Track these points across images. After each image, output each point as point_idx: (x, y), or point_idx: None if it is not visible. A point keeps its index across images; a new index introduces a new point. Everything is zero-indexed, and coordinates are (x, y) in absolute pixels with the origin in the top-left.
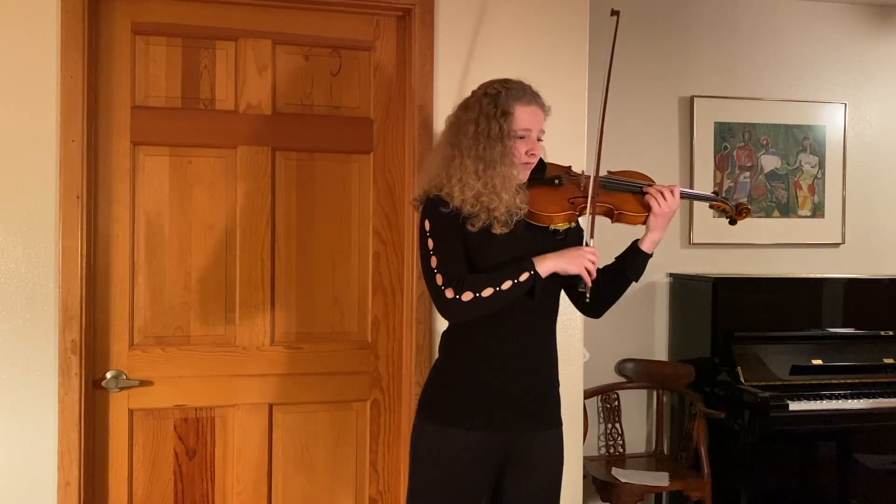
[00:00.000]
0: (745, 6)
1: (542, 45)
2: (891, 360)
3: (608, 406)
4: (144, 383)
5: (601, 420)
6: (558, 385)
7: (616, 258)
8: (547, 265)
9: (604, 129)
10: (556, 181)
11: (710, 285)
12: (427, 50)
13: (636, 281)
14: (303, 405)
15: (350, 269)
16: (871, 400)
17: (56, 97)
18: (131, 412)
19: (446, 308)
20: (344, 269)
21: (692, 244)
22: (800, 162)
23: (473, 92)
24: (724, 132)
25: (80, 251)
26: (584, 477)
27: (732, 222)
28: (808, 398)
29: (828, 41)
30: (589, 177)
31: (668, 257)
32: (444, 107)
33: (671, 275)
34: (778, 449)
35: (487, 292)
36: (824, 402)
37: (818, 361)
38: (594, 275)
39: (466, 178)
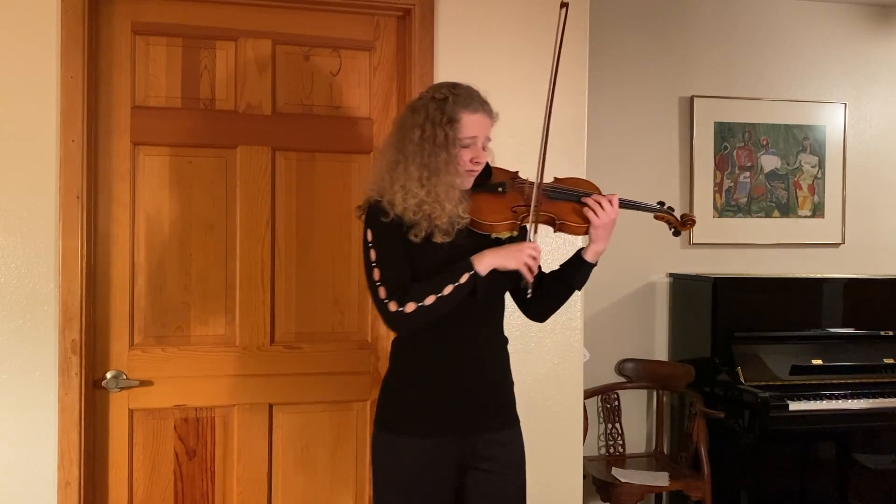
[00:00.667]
0: (745, 6)
1: (542, 44)
2: (891, 360)
3: (608, 406)
4: (144, 383)
5: (601, 420)
6: (512, 384)
7: (560, 266)
8: (486, 262)
9: (548, 137)
10: (500, 189)
11: (710, 285)
12: (427, 50)
13: (579, 290)
14: (303, 405)
15: (350, 269)
16: (870, 400)
17: (56, 97)
18: (131, 412)
19: (391, 321)
20: (344, 269)
21: (692, 244)
22: (800, 162)
23: (421, 94)
24: (724, 132)
25: (80, 251)
26: (584, 477)
27: (676, 233)
28: (808, 398)
29: (828, 41)
30: (533, 184)
31: (668, 257)
32: None
33: (671, 275)
34: (778, 449)
35: (430, 300)
36: (824, 402)
37: (818, 361)
38: (535, 270)
39: (410, 184)
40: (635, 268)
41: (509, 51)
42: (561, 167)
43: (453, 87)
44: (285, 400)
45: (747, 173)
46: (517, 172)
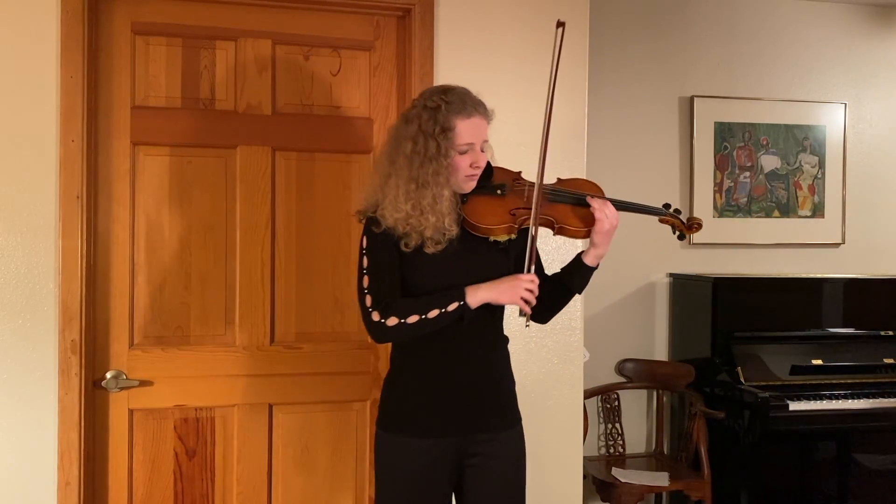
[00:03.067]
0: (745, 6)
1: (541, 44)
2: (891, 360)
3: (608, 406)
4: (144, 383)
5: (601, 420)
6: (513, 383)
7: (561, 269)
8: (479, 296)
9: (548, 143)
10: (499, 191)
11: (710, 285)
12: (427, 50)
13: (579, 293)
14: (303, 405)
15: (350, 269)
16: (871, 400)
17: (56, 97)
18: (131, 412)
19: (371, 330)
20: (344, 269)
21: (692, 244)
22: (800, 162)
23: (414, 102)
24: (724, 132)
25: (80, 251)
26: (584, 477)
27: (681, 237)
28: (807, 398)
29: (828, 41)
30: (533, 185)
31: (668, 257)
32: None
33: (671, 275)
34: (778, 449)
35: (413, 319)
36: (824, 402)
37: (818, 361)
38: (533, 302)
39: (398, 198)
40: (635, 268)
41: (509, 50)
42: (561, 167)
43: (444, 93)
44: (285, 400)
45: (747, 173)
46: (520, 173)
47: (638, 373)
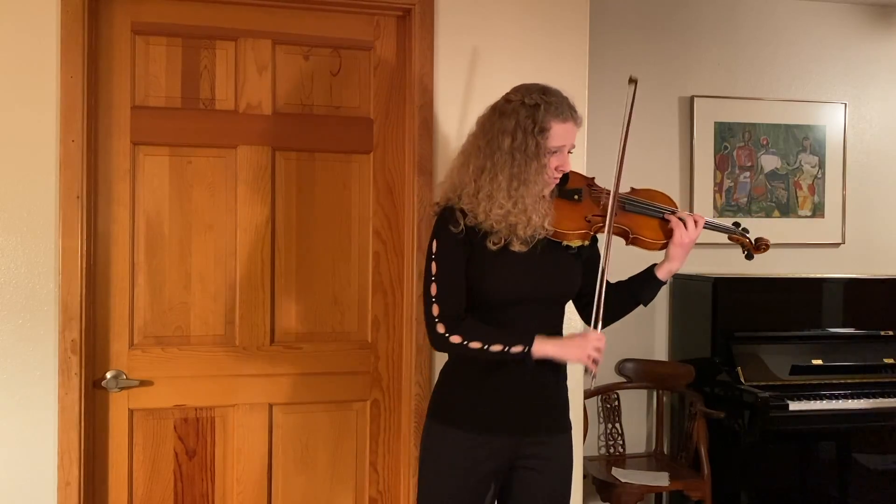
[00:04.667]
0: (745, 6)
1: (542, 44)
2: (891, 360)
3: (608, 406)
4: (144, 383)
5: (601, 420)
6: (566, 389)
7: (630, 278)
8: (546, 350)
9: (624, 155)
10: (576, 196)
11: (710, 285)
12: (427, 50)
13: (645, 305)
14: (303, 405)
15: (350, 269)
16: (871, 400)
17: (56, 97)
18: (131, 412)
19: (433, 340)
20: (344, 269)
21: (750, 259)
22: (800, 162)
23: (509, 97)
24: (724, 132)
25: (80, 251)
26: (584, 477)
27: (749, 257)
28: (808, 398)
29: (828, 41)
30: (609, 193)
31: None
32: (444, 107)
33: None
34: (778, 449)
35: (475, 345)
36: (824, 402)
37: (818, 361)
38: (601, 361)
39: (497, 194)
40: (635, 268)
41: (509, 51)
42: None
43: (544, 92)
44: (285, 400)
45: (747, 173)
46: (593, 179)
47: (638, 373)
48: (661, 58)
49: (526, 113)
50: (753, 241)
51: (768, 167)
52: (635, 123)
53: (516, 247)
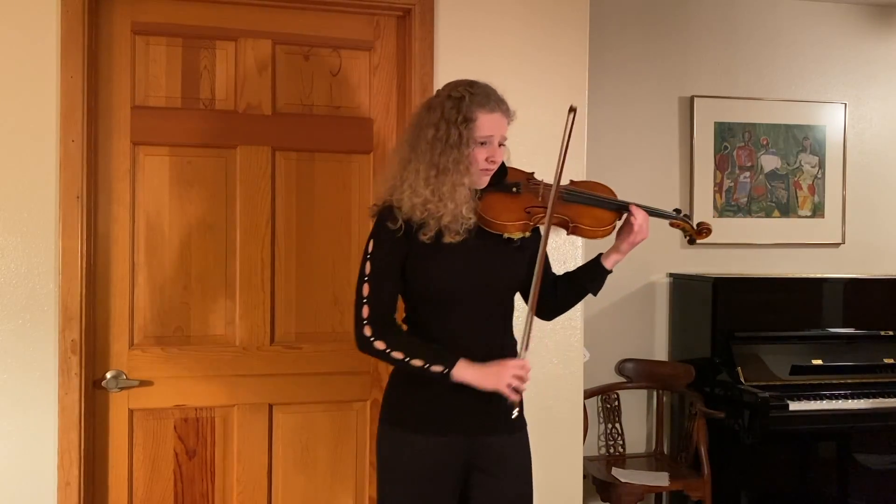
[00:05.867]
0: (745, 6)
1: (542, 44)
2: (891, 360)
3: (608, 406)
4: (144, 383)
5: (601, 420)
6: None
7: (577, 269)
8: (465, 375)
9: (565, 158)
10: (514, 189)
11: (710, 285)
12: (427, 50)
13: (594, 295)
14: (303, 405)
15: (350, 269)
16: (871, 400)
17: (56, 97)
18: (131, 412)
19: (358, 341)
20: (344, 269)
21: (692, 244)
22: (800, 162)
23: (438, 92)
24: (724, 132)
25: (80, 251)
26: (584, 477)
27: (692, 241)
28: (808, 398)
29: (828, 41)
30: (548, 185)
31: (668, 257)
32: None
33: (671, 275)
34: (778, 449)
35: (397, 355)
36: (824, 402)
37: (818, 361)
38: (524, 389)
39: (417, 183)
40: (635, 268)
41: (509, 51)
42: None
43: (470, 85)
44: (285, 400)
45: (747, 173)
46: (533, 173)
47: (638, 373)
48: (661, 58)
49: (451, 105)
50: (695, 226)
51: (768, 167)
52: (635, 123)
53: (447, 238)
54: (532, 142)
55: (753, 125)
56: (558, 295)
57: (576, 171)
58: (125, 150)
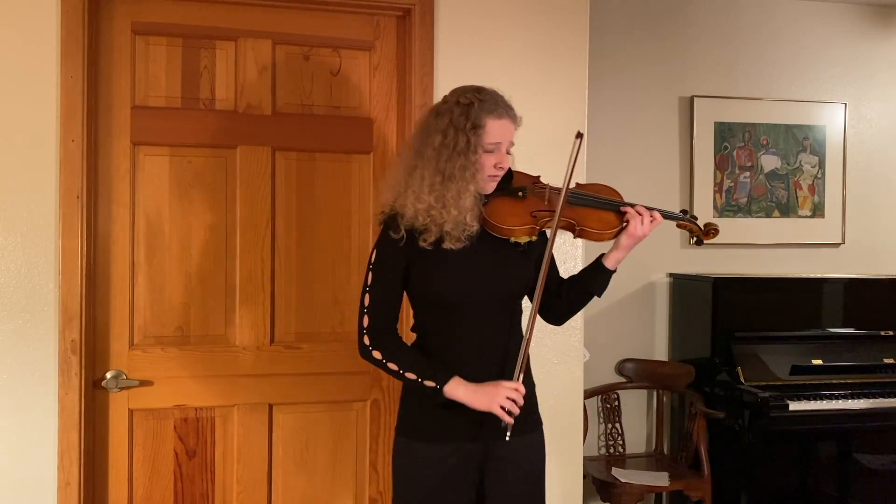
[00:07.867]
0: (745, 6)
1: (542, 45)
2: (891, 360)
3: (608, 406)
4: (144, 383)
5: (601, 420)
6: (533, 386)
7: (580, 272)
8: (457, 393)
9: (577, 158)
10: (520, 193)
11: (710, 285)
12: (427, 50)
13: (599, 296)
14: (303, 405)
15: (350, 269)
16: (871, 400)
17: (56, 97)
18: (131, 412)
19: (360, 348)
20: (344, 269)
21: (700, 245)
22: (800, 162)
23: (446, 98)
24: (724, 132)
25: (80, 251)
26: (584, 477)
27: (699, 243)
28: (808, 398)
29: (828, 41)
30: (555, 189)
31: (668, 257)
32: None
33: (671, 275)
34: (778, 449)
35: (392, 366)
36: (824, 402)
37: (818, 361)
38: (516, 411)
39: (421, 190)
40: (635, 268)
41: (509, 51)
42: (562, 167)
43: (478, 91)
44: (285, 400)
45: (747, 173)
46: (538, 177)
47: (638, 373)
48: (661, 58)
49: (460, 111)
50: (702, 227)
51: (768, 167)
52: (635, 123)
53: (448, 244)
54: (531, 140)
55: (753, 125)
56: (563, 298)
57: (576, 172)
58: (125, 150)
